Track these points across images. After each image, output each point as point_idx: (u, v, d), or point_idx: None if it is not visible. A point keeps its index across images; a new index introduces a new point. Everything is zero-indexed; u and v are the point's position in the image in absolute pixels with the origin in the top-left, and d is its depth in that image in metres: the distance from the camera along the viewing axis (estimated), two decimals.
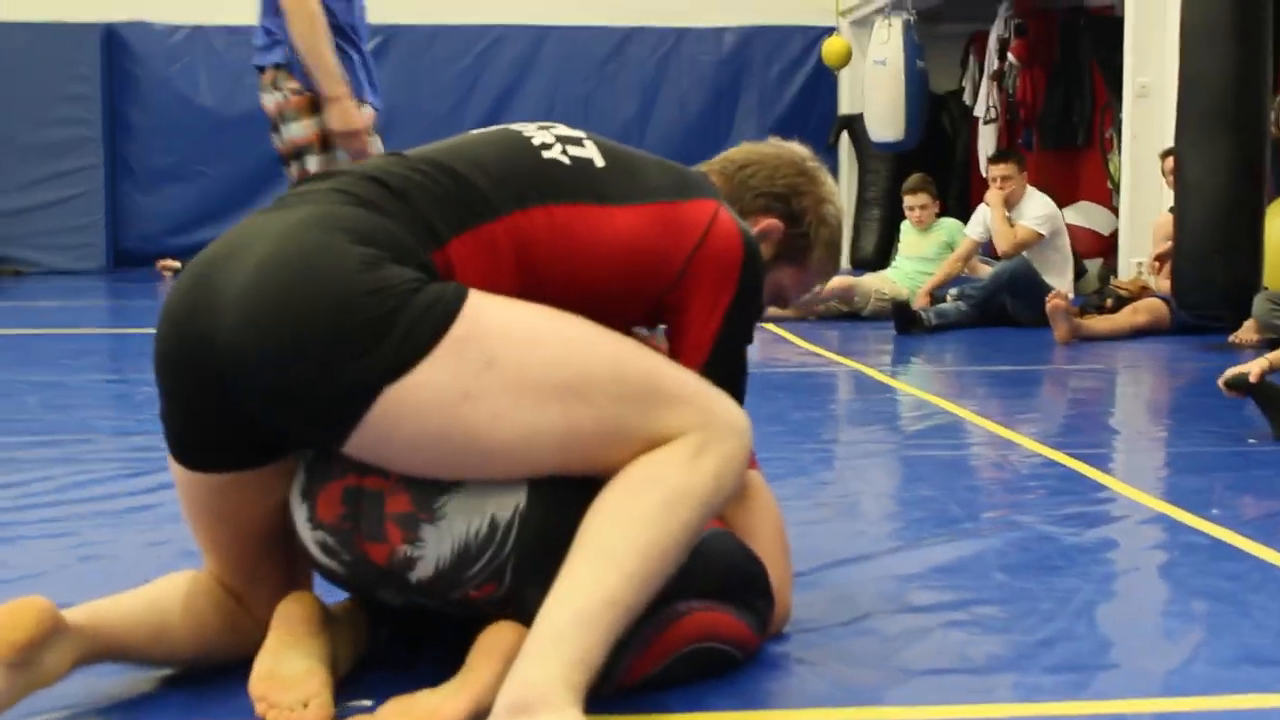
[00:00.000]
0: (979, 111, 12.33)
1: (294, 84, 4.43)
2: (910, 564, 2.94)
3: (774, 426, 4.68)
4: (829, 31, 13.24)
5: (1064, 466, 3.95)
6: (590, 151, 2.22)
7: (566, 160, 2.19)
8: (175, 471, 2.12)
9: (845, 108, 13.57)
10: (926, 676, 2.26)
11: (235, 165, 12.87)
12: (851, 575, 2.85)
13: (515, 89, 13.57)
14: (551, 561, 1.96)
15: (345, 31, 4.48)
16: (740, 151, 2.51)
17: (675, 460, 1.95)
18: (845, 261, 13.24)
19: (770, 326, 8.01)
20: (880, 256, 12.23)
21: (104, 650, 2.07)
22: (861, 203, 13.33)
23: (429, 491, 1.99)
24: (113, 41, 13.14)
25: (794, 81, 13.80)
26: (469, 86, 13.49)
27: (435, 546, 1.99)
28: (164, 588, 2.19)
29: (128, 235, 13.22)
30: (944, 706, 2.13)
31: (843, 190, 13.73)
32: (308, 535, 2.07)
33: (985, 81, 12.24)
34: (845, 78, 13.38)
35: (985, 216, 8.39)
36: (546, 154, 2.18)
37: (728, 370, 2.26)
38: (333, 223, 1.97)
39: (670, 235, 2.19)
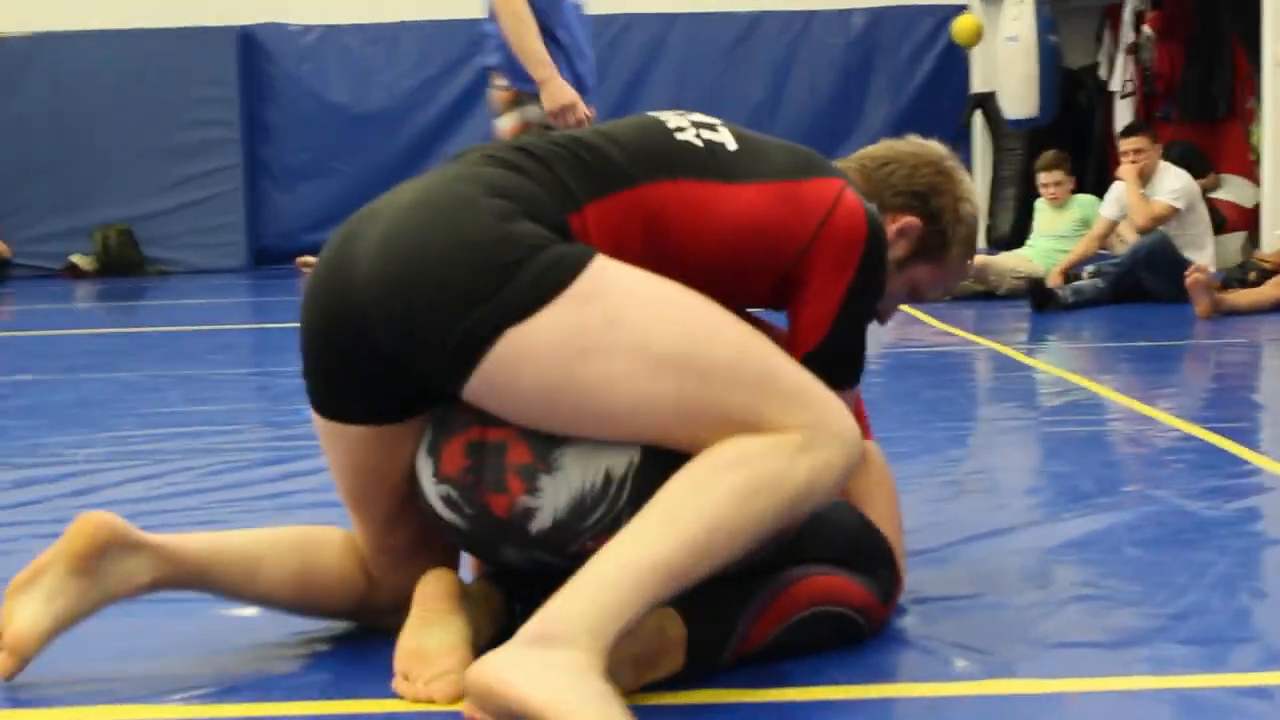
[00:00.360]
0: (1115, 86, 12.12)
1: (502, 81, 5.02)
2: (1042, 539, 2.91)
3: (907, 405, 4.66)
4: (959, 10, 13.07)
5: (1203, 441, 3.87)
6: (723, 136, 2.26)
7: (699, 142, 2.22)
8: (318, 426, 2.21)
9: (977, 86, 13.39)
10: (1057, 650, 2.24)
11: (369, 161, 13.06)
12: (982, 550, 2.83)
13: (644, 76, 13.59)
14: None
15: (548, 30, 4.94)
16: (880, 149, 2.52)
17: (774, 450, 1.94)
18: (981, 240, 13.11)
19: (905, 307, 7.94)
20: (1017, 235, 12.05)
21: (188, 576, 2.20)
22: (997, 181, 13.16)
23: (548, 443, 2.03)
24: (248, 44, 13.39)
25: (924, 62, 13.66)
26: (598, 74, 13.53)
27: (552, 497, 2.02)
28: (276, 531, 2.33)
29: (267, 233, 13.47)
30: (1075, 679, 2.11)
31: (977, 169, 13.57)
32: (432, 490, 2.11)
33: (1121, 55, 12.03)
34: (977, 56, 13.19)
35: (1120, 193, 8.24)
36: (680, 135, 2.22)
37: (846, 347, 2.26)
38: (472, 178, 2.05)
39: (795, 211, 2.19)
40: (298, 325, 2.18)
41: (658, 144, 2.20)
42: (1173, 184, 8.06)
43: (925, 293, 2.53)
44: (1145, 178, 8.09)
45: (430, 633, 2.09)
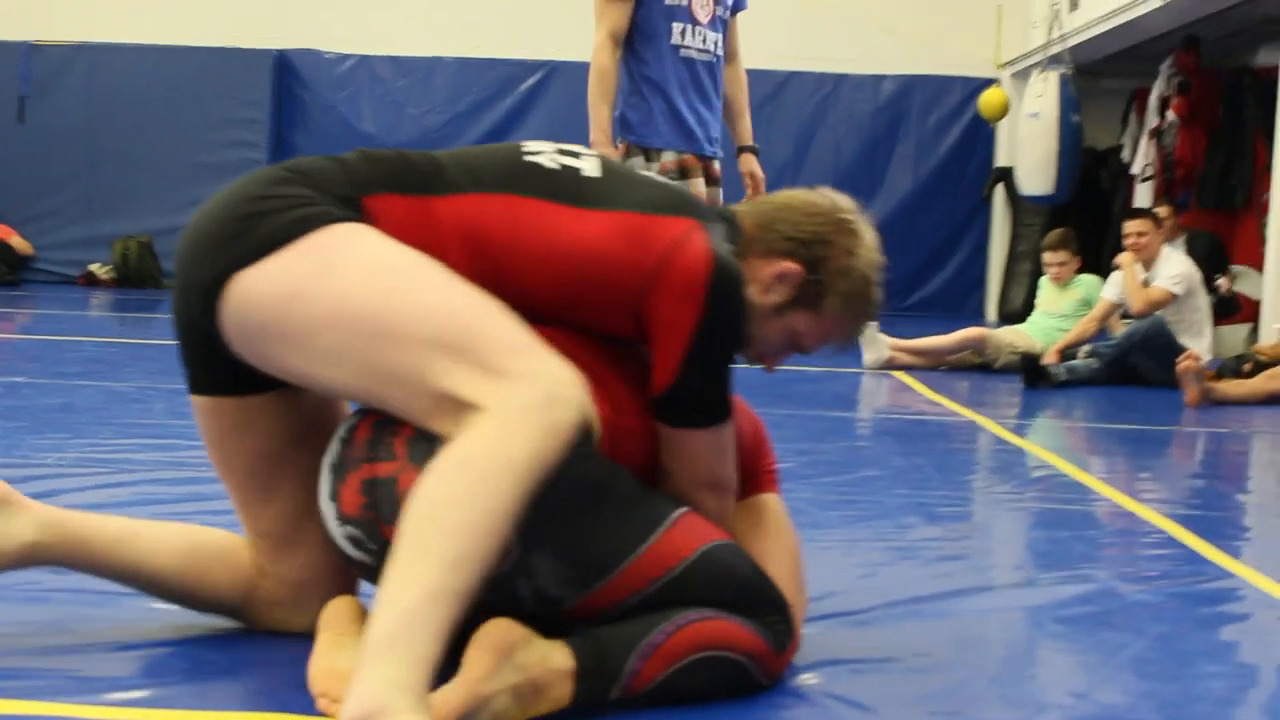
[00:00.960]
0: (1136, 169, 12.17)
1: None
2: (967, 609, 2.94)
3: (874, 469, 4.70)
4: (988, 83, 13.17)
5: (1158, 528, 3.90)
6: (586, 164, 2.33)
7: (552, 165, 2.31)
8: (194, 407, 2.34)
9: (1002, 160, 13.48)
10: (942, 715, 2.27)
11: None
12: (903, 615, 2.86)
13: None
14: (553, 526, 2.08)
15: (652, 82, 5.13)
16: (782, 194, 2.52)
17: (484, 435, 1.96)
18: (991, 313, 13.15)
19: (900, 375, 7.99)
20: (1028, 310, 12.08)
21: (69, 544, 2.33)
22: (1012, 256, 13.22)
23: None
24: (283, 68, 13.55)
25: (951, 132, 13.74)
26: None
27: None
28: (161, 524, 2.47)
29: None
30: None
31: (995, 242, 13.63)
32: (338, 533, 2.17)
33: (1144, 138, 12.08)
34: (1003, 130, 13.28)
35: (1122, 276, 8.29)
36: (530, 158, 2.32)
37: (699, 388, 2.25)
38: (262, 177, 2.23)
39: (637, 246, 2.22)
40: None
41: (501, 161, 2.30)
42: (1173, 270, 8.11)
43: (806, 343, 2.48)
44: (1148, 262, 8.13)
45: (341, 655, 2.14)
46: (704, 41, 5.21)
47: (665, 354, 2.24)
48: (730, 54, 5.42)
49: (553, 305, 2.24)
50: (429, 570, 1.87)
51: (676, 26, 5.14)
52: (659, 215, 2.26)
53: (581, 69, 13.84)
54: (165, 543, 2.40)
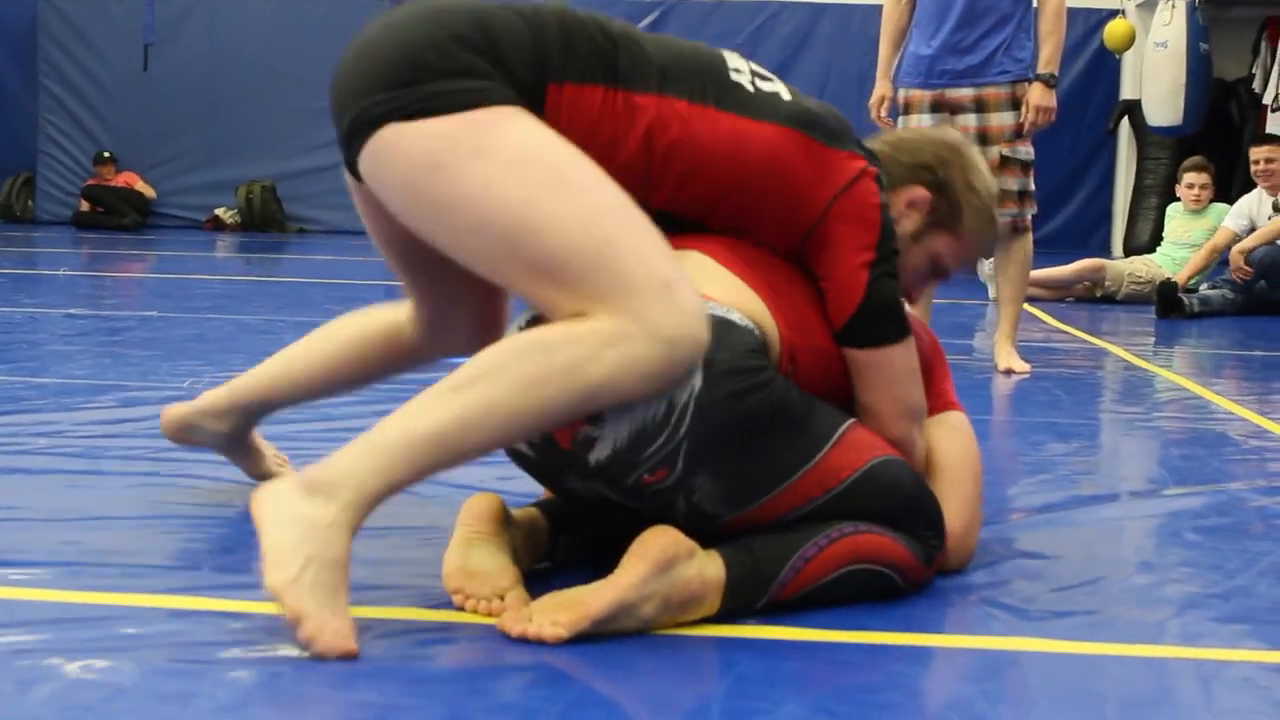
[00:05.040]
0: (1268, 99, 11.88)
1: None
2: (1105, 519, 2.92)
3: (1000, 391, 4.66)
4: (1113, 14, 12.90)
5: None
6: (779, 88, 2.32)
7: (751, 89, 2.28)
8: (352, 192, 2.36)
9: (1127, 93, 13.22)
10: (1089, 616, 2.25)
11: None
12: (1044, 524, 2.85)
13: (789, 66, 13.57)
14: (722, 450, 2.07)
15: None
16: (898, 131, 2.65)
17: (580, 339, 1.97)
18: (1118, 248, 12.94)
19: (1025, 306, 7.89)
20: (1153, 245, 11.88)
21: (254, 408, 2.79)
22: (1138, 190, 12.98)
23: None
24: None
25: (1074, 65, 13.49)
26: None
27: (614, 428, 2.07)
28: (313, 345, 2.77)
29: None
30: (1100, 643, 2.13)
31: (1120, 176, 13.40)
32: None
33: (1276, 67, 11.79)
34: (1128, 61, 13.02)
35: (1249, 207, 8.11)
36: (734, 75, 2.28)
37: (884, 304, 2.28)
38: (438, 18, 2.11)
39: (817, 170, 2.25)
40: None
41: (707, 72, 2.25)
42: None
43: (946, 265, 2.55)
44: (1274, 188, 7.94)
45: (475, 552, 2.16)
46: None
47: (847, 273, 2.26)
48: None
49: (725, 211, 2.26)
50: (446, 415, 1.94)
51: None
52: (838, 148, 2.28)
53: (703, 8, 13.81)
54: (329, 362, 2.69)
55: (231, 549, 2.49)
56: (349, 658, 1.87)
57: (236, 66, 13.46)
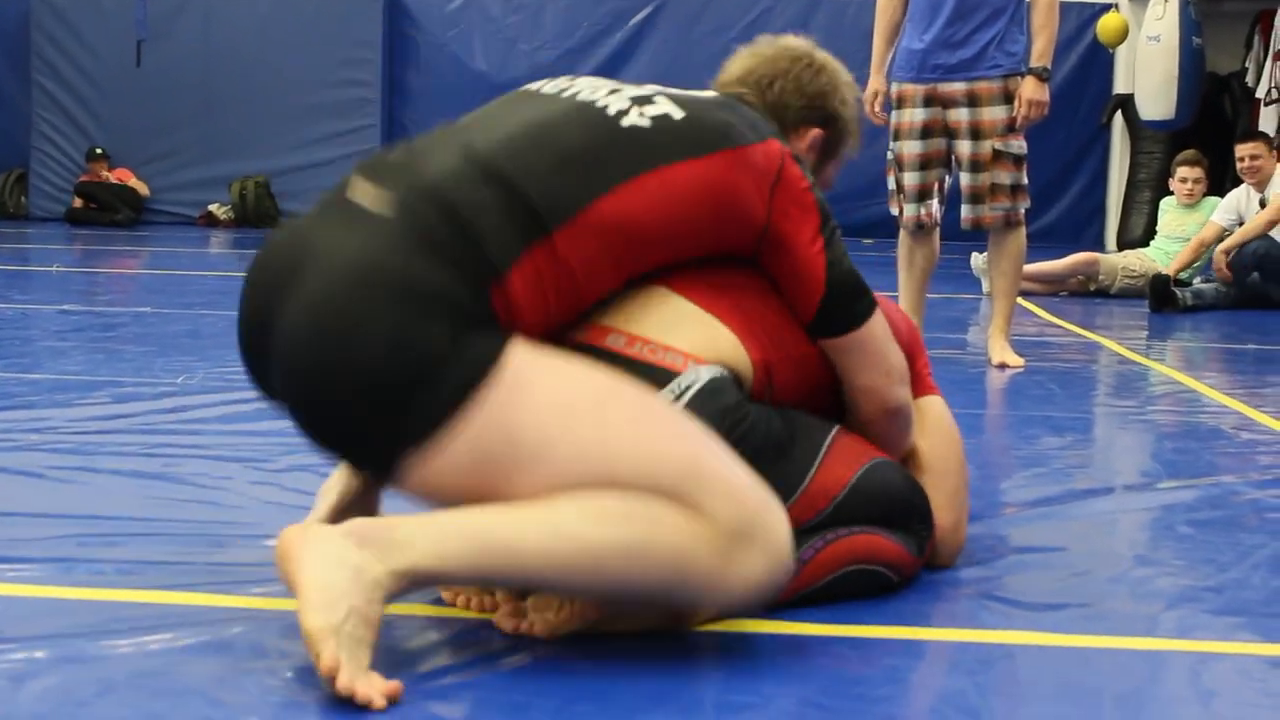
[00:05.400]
0: (1260, 93, 11.89)
1: None
2: (1098, 512, 2.92)
3: (993, 385, 4.66)
4: (1106, 8, 12.91)
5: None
6: (665, 106, 2.17)
7: (647, 124, 2.13)
8: None
9: (1121, 87, 13.21)
10: (1077, 608, 2.26)
11: None
12: (1038, 518, 2.85)
13: None
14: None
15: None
16: (747, 62, 2.47)
17: (696, 536, 1.86)
18: (1111, 243, 12.95)
19: (1019, 300, 7.88)
20: (1147, 239, 11.90)
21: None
22: (1132, 185, 12.97)
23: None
24: (395, 8, 13.59)
25: (1068, 59, 13.46)
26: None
27: None
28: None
29: None
30: (1093, 636, 2.13)
31: (1114, 171, 13.40)
32: None
33: (1269, 61, 11.80)
34: (1121, 55, 13.01)
35: (1236, 202, 8.10)
36: (625, 121, 2.13)
37: (843, 277, 2.24)
38: (380, 277, 1.92)
39: (744, 175, 2.15)
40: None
41: (606, 142, 2.10)
42: None
43: (832, 182, 2.53)
44: (1261, 184, 7.94)
45: None
46: None
47: (807, 265, 2.22)
48: None
49: (682, 250, 2.18)
50: (533, 541, 1.83)
51: None
52: (753, 144, 2.18)
53: (691, 3, 13.78)
54: None
55: (224, 546, 2.48)
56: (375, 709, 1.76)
57: (230, 62, 13.42)
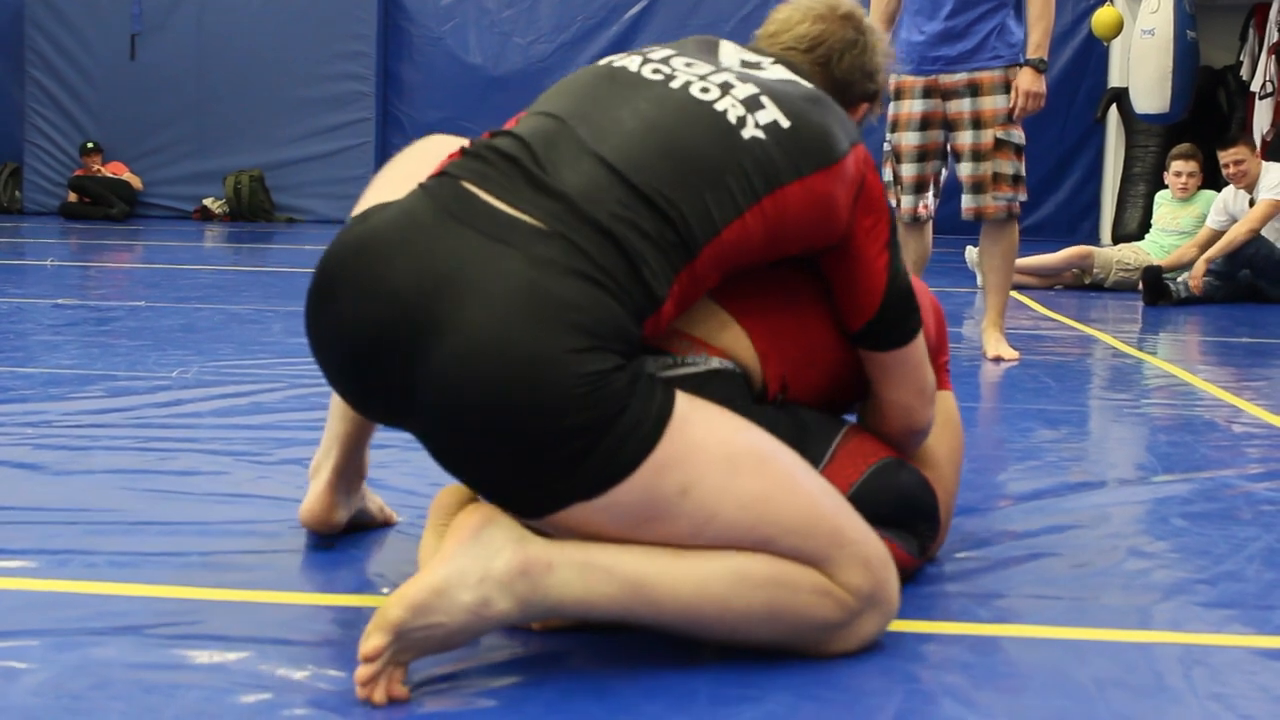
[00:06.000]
0: (1255, 86, 11.89)
1: None
2: (1092, 505, 2.92)
3: (988, 378, 4.66)
4: (1101, 2, 12.89)
5: (1279, 431, 3.85)
6: (773, 112, 2.07)
7: (763, 135, 2.04)
8: None
9: (1115, 80, 13.21)
10: (1071, 601, 2.26)
11: (502, 122, 13.10)
12: (1033, 511, 2.85)
13: None
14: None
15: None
16: (809, 27, 2.35)
17: (830, 602, 1.92)
18: (1106, 237, 12.96)
19: (1014, 294, 7.88)
20: (1142, 233, 11.90)
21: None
22: (1126, 178, 12.97)
23: None
24: (389, 1, 13.58)
25: (1063, 53, 13.47)
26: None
27: None
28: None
29: None
30: (1082, 629, 2.13)
31: (1109, 165, 13.40)
32: None
33: (1263, 55, 11.79)
34: (1116, 49, 13.01)
35: (1225, 204, 8.10)
36: (745, 132, 2.03)
37: (902, 292, 2.22)
38: (556, 312, 1.81)
39: (844, 188, 2.10)
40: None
41: (732, 160, 1.99)
42: (1274, 179, 7.84)
43: None
44: (1250, 186, 7.93)
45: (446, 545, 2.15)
46: None
47: (870, 273, 2.17)
48: None
49: (774, 256, 2.12)
50: (673, 592, 1.85)
51: None
52: (845, 154, 2.10)
53: None
54: None
55: (219, 539, 2.48)
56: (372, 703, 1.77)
57: (224, 56, 13.42)
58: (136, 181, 13.27)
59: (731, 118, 2.03)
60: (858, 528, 1.97)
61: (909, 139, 5.13)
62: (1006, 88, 5.04)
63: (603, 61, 2.18)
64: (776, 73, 2.18)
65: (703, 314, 2.15)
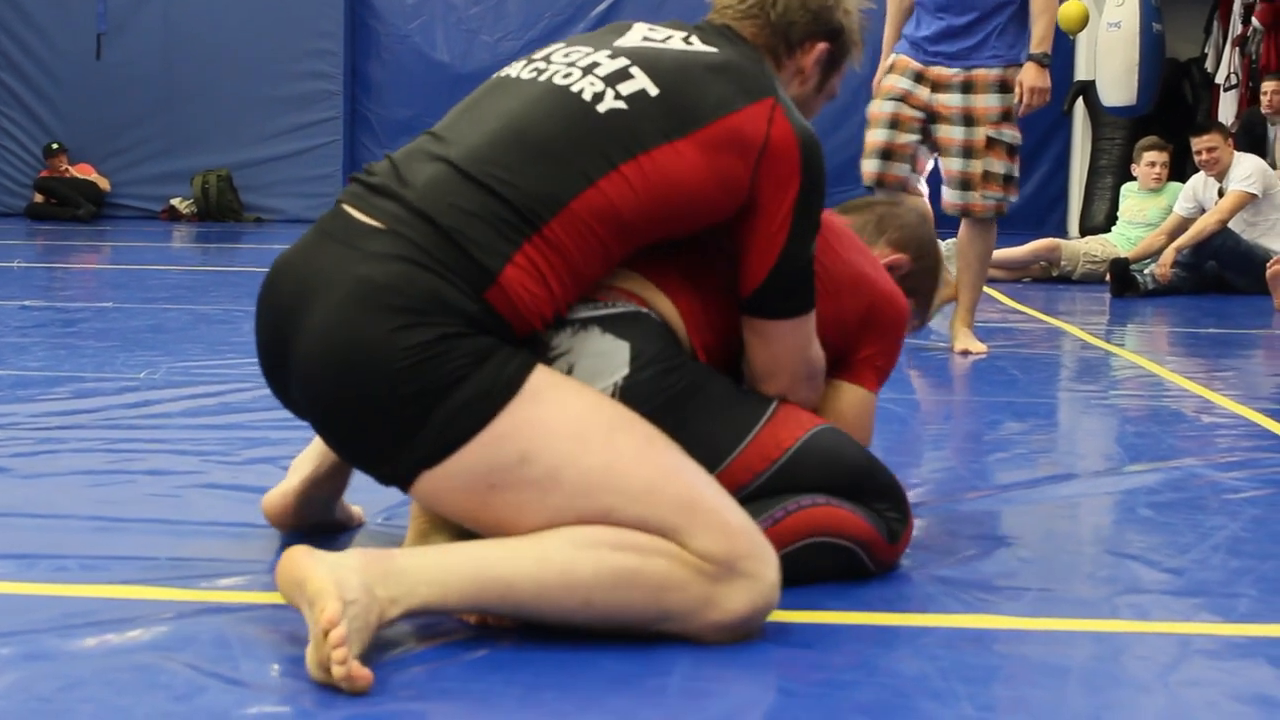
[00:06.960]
0: (1220, 78, 11.95)
1: None
2: (1060, 496, 2.94)
3: (956, 371, 4.68)
4: None
5: (1248, 420, 3.87)
6: (641, 81, 2.15)
7: (624, 105, 2.12)
8: None
9: (1082, 74, 13.26)
10: (1041, 592, 2.27)
11: None
12: (994, 503, 2.86)
13: None
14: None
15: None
16: None
17: (685, 567, 1.93)
18: (1074, 229, 13.01)
19: (988, 289, 7.92)
20: (1109, 225, 11.94)
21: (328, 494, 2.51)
22: (1093, 171, 13.02)
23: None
24: None
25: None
26: None
27: None
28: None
29: None
30: (1055, 619, 2.15)
31: (1075, 158, 13.45)
32: None
33: (1228, 47, 11.86)
34: (1082, 42, 13.05)
35: (1194, 191, 8.15)
36: (601, 106, 2.12)
37: (795, 266, 2.21)
38: (384, 297, 1.96)
39: (736, 151, 2.14)
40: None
41: (584, 131, 2.10)
42: (1245, 170, 7.88)
43: (835, 93, 2.50)
44: (1221, 174, 7.96)
45: (428, 543, 2.16)
46: None
47: (765, 239, 2.18)
48: None
49: (677, 229, 2.19)
50: (526, 575, 1.90)
51: None
52: (737, 110, 2.15)
53: None
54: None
55: (187, 540, 2.47)
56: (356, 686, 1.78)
57: (191, 55, 13.35)
58: (104, 182, 13.21)
59: (587, 95, 2.14)
60: (717, 497, 2.00)
61: (884, 107, 5.12)
62: (1001, 87, 5.05)
63: (498, 73, 2.31)
64: (675, 44, 2.25)
65: (634, 280, 2.21)
